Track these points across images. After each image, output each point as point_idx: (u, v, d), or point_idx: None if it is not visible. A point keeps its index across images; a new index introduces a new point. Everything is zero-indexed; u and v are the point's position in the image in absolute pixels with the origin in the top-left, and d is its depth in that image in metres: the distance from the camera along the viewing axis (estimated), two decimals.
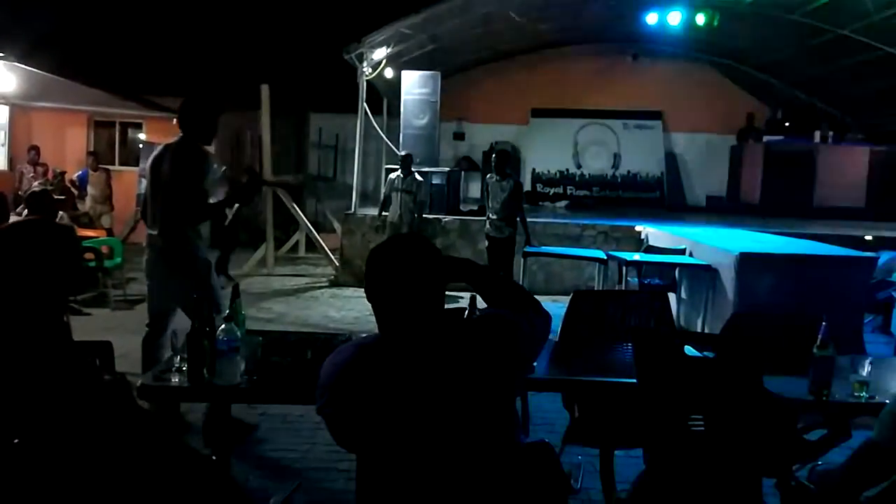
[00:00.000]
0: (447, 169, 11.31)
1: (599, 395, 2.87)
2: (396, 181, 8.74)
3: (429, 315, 1.74)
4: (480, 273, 2.02)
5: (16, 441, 1.56)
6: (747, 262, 5.87)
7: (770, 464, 2.39)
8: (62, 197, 9.72)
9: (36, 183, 10.01)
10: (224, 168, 10.80)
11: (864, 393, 2.56)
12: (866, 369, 2.58)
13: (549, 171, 14.50)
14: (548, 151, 14.42)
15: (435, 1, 9.90)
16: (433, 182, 10.28)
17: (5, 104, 12.16)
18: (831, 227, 9.71)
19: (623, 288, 6.93)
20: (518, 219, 7.83)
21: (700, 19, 11.03)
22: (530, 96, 14.09)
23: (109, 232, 10.22)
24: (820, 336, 2.57)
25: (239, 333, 2.54)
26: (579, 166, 14.53)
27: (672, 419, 2.39)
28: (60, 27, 12.76)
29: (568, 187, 14.46)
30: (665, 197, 14.23)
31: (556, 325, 2.89)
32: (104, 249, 7.92)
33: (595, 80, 14.05)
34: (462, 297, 3.30)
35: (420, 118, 10.71)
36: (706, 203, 14.09)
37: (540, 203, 13.71)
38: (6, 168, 12.32)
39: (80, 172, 11.45)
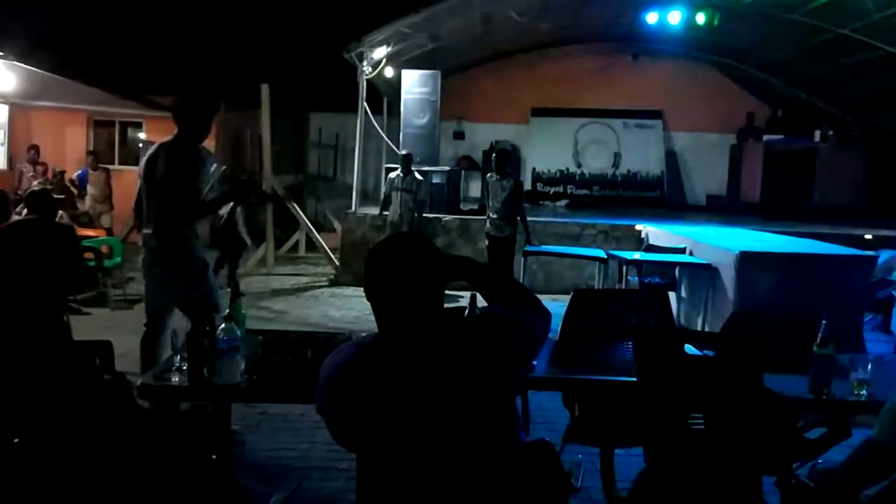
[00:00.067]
0: (447, 168, 11.32)
1: (600, 393, 2.87)
2: (396, 180, 8.74)
3: (428, 314, 1.73)
4: (480, 271, 2.02)
5: (16, 440, 1.56)
6: (747, 261, 5.87)
7: (770, 462, 2.39)
8: (62, 196, 9.72)
9: (35, 182, 10.01)
10: (224, 168, 10.80)
11: (864, 391, 2.56)
12: (866, 368, 2.58)
13: (549, 171, 14.50)
14: (548, 150, 14.42)
15: (435, 0, 9.89)
16: (433, 181, 10.29)
17: (5, 103, 12.16)
18: (831, 226, 9.71)
19: (623, 287, 6.93)
20: (518, 218, 7.83)
21: (700, 18, 11.02)
22: (530, 95, 14.09)
23: (109, 231, 10.23)
24: (820, 334, 2.57)
25: (239, 333, 2.54)
26: (579, 165, 14.52)
27: (672, 418, 2.39)
28: (60, 27, 12.76)
29: (568, 186, 14.46)
30: (665, 196, 14.23)
31: (557, 324, 2.89)
32: (104, 249, 7.92)
33: (595, 80, 14.05)
34: (462, 297, 3.30)
35: (420, 117, 10.71)
36: (706, 202, 14.09)
37: (540, 202, 13.71)
38: (6, 167, 12.33)
39: (79, 172, 11.45)
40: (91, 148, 12.99)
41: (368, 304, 1.77)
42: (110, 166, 12.10)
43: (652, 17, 11.42)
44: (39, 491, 1.57)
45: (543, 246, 8.60)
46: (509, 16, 11.06)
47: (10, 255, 1.73)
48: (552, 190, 14.39)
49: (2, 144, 12.49)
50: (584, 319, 3.34)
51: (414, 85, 10.80)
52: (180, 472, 1.78)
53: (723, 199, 13.60)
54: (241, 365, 2.54)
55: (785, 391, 2.43)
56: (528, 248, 7.95)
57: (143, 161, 4.09)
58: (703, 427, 2.37)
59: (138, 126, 13.50)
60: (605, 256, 7.53)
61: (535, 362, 2.76)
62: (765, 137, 12.94)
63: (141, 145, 12.15)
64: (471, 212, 10.30)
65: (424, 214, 9.15)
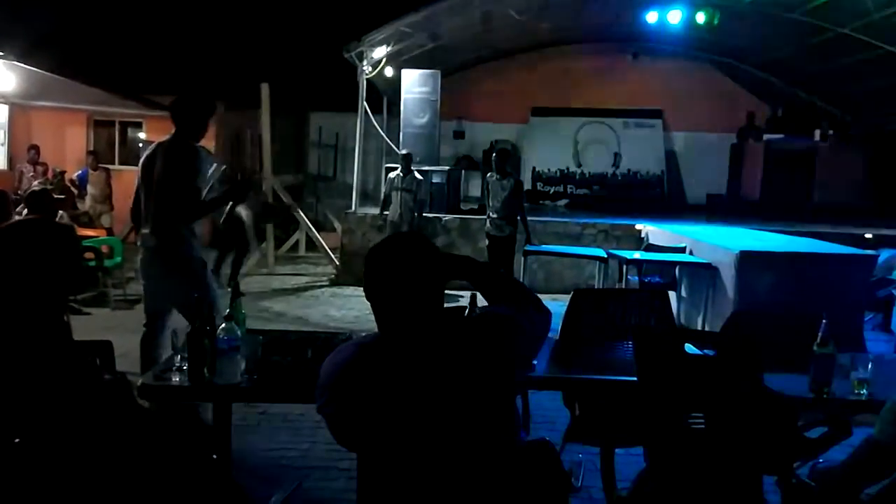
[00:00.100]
0: (447, 168, 11.31)
1: (600, 393, 2.87)
2: (396, 180, 8.74)
3: (428, 314, 1.73)
4: (480, 270, 2.02)
5: (17, 440, 1.56)
6: (747, 261, 5.87)
7: (771, 461, 2.39)
8: (62, 196, 9.72)
9: (35, 182, 10.01)
10: (224, 168, 10.80)
11: (864, 390, 2.56)
12: (867, 367, 2.58)
13: (549, 170, 14.49)
14: (548, 150, 14.41)
15: None
16: (433, 181, 10.29)
17: (5, 103, 12.16)
18: (831, 226, 9.71)
19: (623, 286, 6.93)
20: (518, 217, 7.83)
21: (700, 18, 11.02)
22: (530, 95, 14.08)
23: (109, 231, 10.22)
24: (820, 334, 2.57)
25: (239, 332, 2.54)
26: (579, 165, 14.52)
27: (672, 417, 2.39)
28: (60, 27, 12.76)
29: (568, 186, 14.45)
30: (665, 195, 14.22)
31: (557, 323, 2.89)
32: (104, 249, 7.92)
33: (595, 79, 14.05)
34: (462, 296, 3.30)
35: (420, 117, 10.71)
36: (706, 201, 14.08)
37: (540, 202, 13.70)
38: (6, 167, 12.33)
39: (79, 172, 11.45)
40: (91, 148, 12.98)
41: (368, 303, 1.77)
42: (110, 166, 12.10)
43: (652, 17, 11.42)
44: (40, 491, 1.57)
45: (543, 245, 8.60)
46: (509, 15, 11.06)
47: (11, 255, 1.73)
48: (552, 189, 14.38)
49: (2, 144, 12.48)
50: (585, 319, 3.34)
51: (414, 84, 10.80)
52: (181, 472, 1.78)
53: (723, 199, 13.59)
54: (241, 365, 2.54)
55: (785, 390, 2.42)
56: (528, 247, 7.95)
57: (140, 161, 4.09)
58: (703, 426, 2.37)
59: (138, 126, 13.50)
60: (606, 256, 7.53)
61: (535, 362, 2.76)
62: (765, 137, 12.93)
63: (141, 145, 12.14)
64: (471, 211, 10.29)
65: (424, 214, 9.15)
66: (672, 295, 6.71)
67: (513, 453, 1.78)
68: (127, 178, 11.74)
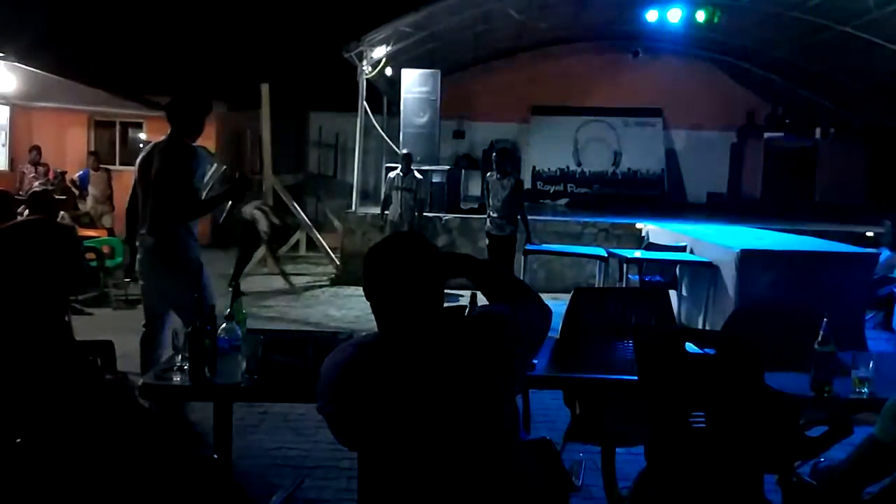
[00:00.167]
0: (447, 167, 11.32)
1: (600, 392, 2.87)
2: (396, 179, 8.75)
3: (427, 313, 1.73)
4: (480, 268, 2.02)
5: (18, 440, 1.57)
6: (748, 259, 5.87)
7: (772, 460, 2.39)
8: (63, 197, 9.73)
9: (37, 183, 10.02)
10: (224, 168, 10.79)
11: (865, 389, 2.56)
12: (868, 365, 2.58)
13: (549, 169, 14.50)
14: (548, 149, 14.42)
15: None
16: (433, 180, 10.29)
17: (6, 104, 12.16)
18: (832, 224, 9.71)
19: (624, 285, 6.93)
20: (519, 217, 7.83)
21: (700, 16, 11.03)
22: (530, 94, 14.08)
23: (110, 232, 10.23)
24: (821, 332, 2.57)
25: (240, 332, 2.55)
26: (580, 164, 14.52)
27: (673, 416, 2.39)
28: (60, 27, 12.77)
29: (568, 185, 14.46)
30: (666, 194, 14.23)
31: (557, 322, 2.89)
32: (105, 249, 7.92)
33: (595, 78, 14.05)
34: (462, 295, 3.30)
35: (420, 116, 10.71)
36: (707, 200, 14.09)
37: (540, 201, 13.71)
38: (7, 168, 12.33)
39: (81, 172, 11.46)
40: (92, 148, 12.99)
41: (368, 303, 1.77)
42: (111, 167, 12.10)
43: (652, 16, 11.42)
44: (41, 491, 1.57)
45: (544, 245, 8.60)
46: (509, 14, 11.06)
47: (12, 255, 1.74)
48: (552, 188, 14.39)
49: (3, 146, 12.49)
50: (585, 318, 3.34)
51: (414, 84, 10.80)
52: (181, 472, 1.78)
53: (723, 197, 13.60)
54: (242, 365, 2.54)
55: (786, 389, 2.42)
56: (528, 246, 7.95)
57: (137, 161, 4.08)
58: (704, 426, 2.37)
59: (139, 126, 13.50)
60: (606, 255, 7.52)
61: (535, 361, 2.76)
62: (765, 135, 12.95)
63: (142, 145, 12.11)
64: (471, 211, 10.29)
65: (425, 213, 9.15)
66: (673, 294, 6.71)
67: (513, 452, 1.78)
68: (128, 179, 11.63)
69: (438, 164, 10.91)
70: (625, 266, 7.01)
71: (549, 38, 13.66)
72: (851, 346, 3.18)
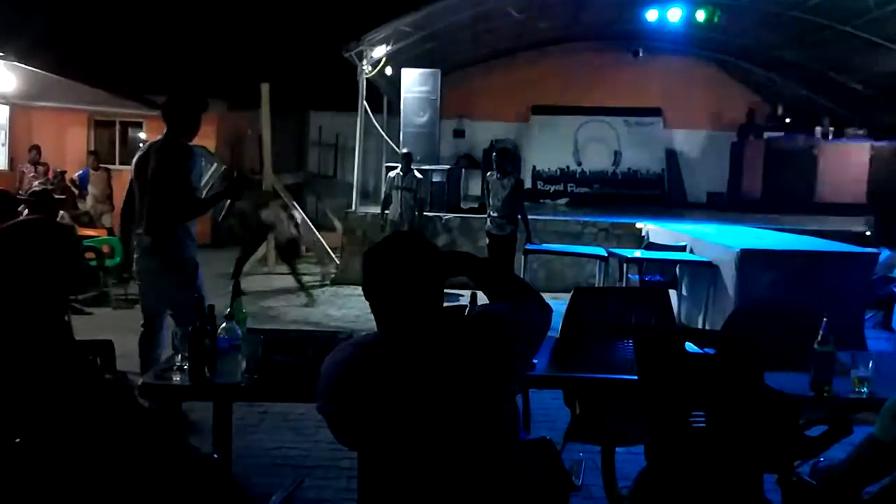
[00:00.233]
0: (447, 167, 11.31)
1: (600, 391, 2.87)
2: (396, 179, 8.75)
3: (427, 312, 1.73)
4: (481, 267, 2.02)
5: (17, 440, 1.57)
6: (748, 259, 5.87)
7: (771, 460, 2.39)
8: (63, 196, 9.73)
9: (37, 182, 10.01)
10: (224, 167, 10.80)
11: (865, 389, 2.56)
12: (867, 365, 2.58)
13: (549, 169, 14.50)
14: (548, 149, 14.43)
15: None
16: (434, 180, 10.29)
17: (6, 104, 12.17)
18: (832, 223, 9.71)
19: (624, 285, 6.93)
20: (519, 216, 7.83)
21: (700, 16, 11.02)
22: (531, 93, 14.09)
23: (110, 231, 10.22)
24: (821, 332, 2.57)
25: (240, 332, 2.55)
26: (580, 163, 14.53)
27: (673, 416, 2.39)
28: (60, 27, 12.76)
29: (568, 184, 14.46)
30: (666, 194, 14.23)
31: (557, 322, 2.89)
32: (105, 249, 7.92)
33: (595, 77, 14.05)
34: (462, 295, 3.30)
35: (420, 116, 10.71)
36: (707, 199, 14.09)
37: (540, 200, 13.71)
38: (7, 168, 12.34)
39: (80, 172, 11.45)
40: (92, 148, 12.99)
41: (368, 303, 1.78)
42: (111, 166, 12.10)
43: (652, 15, 11.41)
44: (41, 491, 1.57)
45: (544, 244, 8.60)
46: (508, 13, 11.06)
47: (12, 255, 1.74)
48: (552, 188, 14.39)
49: (3, 145, 12.49)
50: (585, 318, 3.34)
51: (414, 83, 10.80)
52: (181, 472, 1.78)
53: (723, 197, 13.60)
54: (242, 364, 2.54)
55: (786, 389, 2.42)
56: (528, 246, 7.95)
57: (133, 161, 4.06)
58: (703, 425, 2.37)
59: (139, 126, 13.50)
60: (606, 254, 7.53)
61: (535, 361, 2.76)
62: (765, 134, 12.94)
63: (141, 145, 12.12)
64: (471, 210, 10.29)
65: (425, 213, 9.15)
66: (673, 293, 6.71)
67: (513, 452, 1.78)
68: (127, 178, 11.69)
69: (438, 164, 10.91)
70: (625, 266, 7.01)
71: (549, 38, 13.66)
72: (851, 345, 3.18)
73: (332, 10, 14.48)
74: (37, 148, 11.20)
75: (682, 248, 7.13)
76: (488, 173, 8.14)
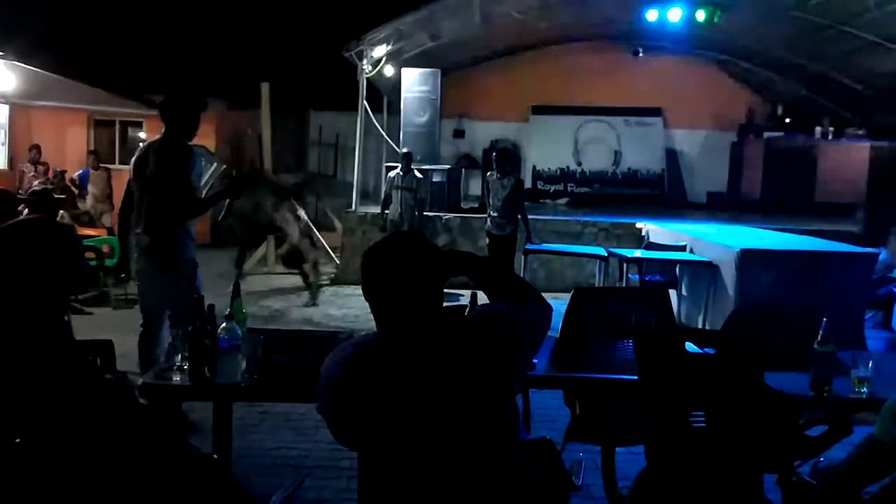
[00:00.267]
0: (447, 166, 11.32)
1: (600, 391, 2.87)
2: (396, 179, 8.75)
3: (426, 313, 1.73)
4: (481, 266, 2.02)
5: (17, 440, 1.57)
6: (748, 259, 5.87)
7: (771, 460, 2.39)
8: (63, 196, 9.72)
9: (36, 182, 10.01)
10: (224, 167, 10.80)
11: (864, 389, 2.56)
12: (867, 365, 2.58)
13: (549, 169, 14.50)
14: (548, 148, 14.42)
15: None
16: (434, 180, 10.29)
17: (5, 103, 12.17)
18: (832, 223, 9.70)
19: (624, 285, 6.93)
20: (519, 216, 7.83)
21: (700, 16, 11.01)
22: (531, 93, 14.08)
23: (110, 231, 10.22)
24: (821, 332, 2.57)
25: (240, 332, 2.54)
26: (580, 163, 14.52)
27: (673, 416, 2.39)
28: (60, 26, 12.76)
29: (568, 184, 14.46)
30: (666, 193, 14.23)
31: (557, 322, 2.89)
32: (105, 248, 7.92)
33: (595, 77, 14.05)
34: (462, 295, 3.30)
35: (420, 116, 10.71)
36: (707, 199, 14.09)
37: (541, 200, 13.71)
38: (6, 167, 12.33)
39: (80, 171, 11.46)
40: (92, 147, 12.99)
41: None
42: (111, 166, 12.11)
43: (652, 15, 11.41)
44: (41, 491, 1.57)
45: (544, 244, 8.60)
46: (508, 13, 11.05)
47: (12, 254, 1.73)
48: (553, 188, 14.39)
49: (3, 144, 12.49)
50: (585, 317, 3.34)
51: (414, 83, 10.80)
52: (181, 472, 1.78)
53: (723, 197, 13.60)
54: (242, 364, 2.54)
55: (786, 389, 2.42)
56: (528, 246, 7.95)
57: (132, 161, 4.04)
58: (703, 425, 2.37)
59: (139, 126, 13.50)
60: (606, 254, 7.53)
61: (535, 361, 2.76)
62: (765, 134, 12.94)
63: (141, 144, 12.14)
64: (471, 210, 10.29)
65: (425, 213, 9.15)
66: (672, 293, 6.71)
67: (513, 452, 1.78)
68: (127, 178, 11.77)
69: (439, 164, 10.91)
70: (625, 265, 7.01)
71: (549, 38, 13.66)
72: (851, 345, 3.18)
73: (332, 10, 14.48)
74: (37, 147, 11.20)
75: (682, 248, 7.13)
76: (488, 173, 8.14)
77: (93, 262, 7.42)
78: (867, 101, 13.01)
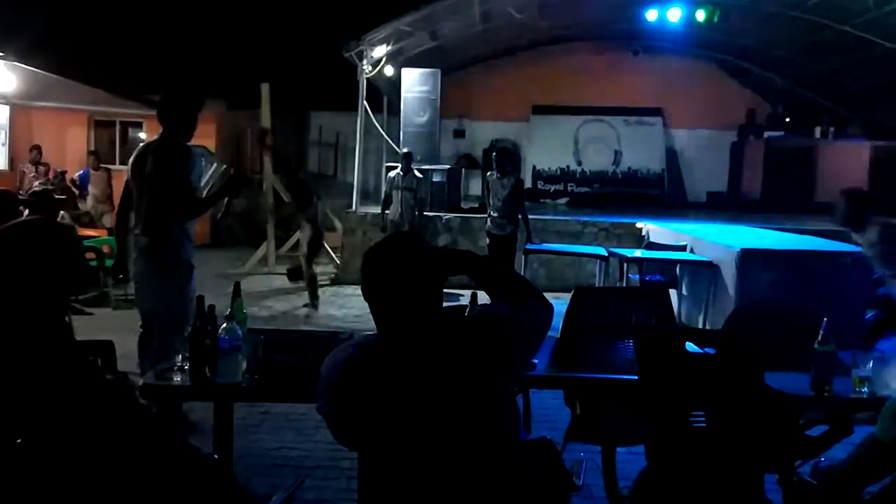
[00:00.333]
0: (448, 166, 11.32)
1: (601, 391, 2.87)
2: (396, 179, 8.75)
3: (425, 313, 1.73)
4: (481, 265, 2.02)
5: (18, 441, 1.57)
6: (748, 259, 5.87)
7: (772, 460, 2.39)
8: (63, 196, 9.73)
9: (37, 182, 10.02)
10: (224, 167, 10.80)
11: (865, 388, 2.56)
12: (868, 365, 2.58)
13: (549, 168, 14.50)
14: (548, 148, 14.43)
15: None
16: (434, 180, 10.29)
17: (6, 104, 12.16)
18: (832, 223, 9.69)
19: (624, 284, 6.93)
20: (519, 216, 7.83)
21: (700, 16, 11.02)
22: (531, 93, 14.09)
23: (110, 231, 10.21)
24: (821, 332, 2.57)
25: (240, 332, 2.54)
26: (580, 163, 14.52)
27: (673, 416, 2.39)
28: (60, 27, 12.77)
29: (569, 184, 14.46)
30: (666, 193, 14.23)
31: (558, 322, 2.89)
32: (105, 249, 7.92)
33: (595, 77, 14.05)
34: (462, 295, 3.30)
35: (420, 116, 10.71)
36: (707, 199, 14.09)
37: (541, 200, 13.71)
38: (7, 168, 12.34)
39: (81, 172, 11.46)
40: (92, 148, 12.99)
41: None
42: (111, 166, 12.10)
43: (652, 15, 11.42)
44: (42, 492, 1.57)
45: (544, 244, 8.60)
46: (509, 13, 11.05)
47: (12, 255, 1.73)
48: (553, 188, 14.39)
49: (3, 145, 12.49)
50: (585, 317, 3.34)
51: (414, 83, 10.80)
52: (182, 472, 1.78)
53: (724, 196, 13.60)
54: (242, 364, 2.54)
55: (786, 389, 2.42)
56: (529, 245, 7.95)
57: (129, 162, 4.01)
58: (704, 425, 2.37)
59: (139, 126, 13.50)
60: (606, 254, 7.53)
61: (535, 361, 2.76)
62: (765, 134, 12.95)
63: (142, 145, 12.15)
64: (471, 210, 10.30)
65: (425, 213, 9.15)
66: (673, 293, 6.71)
67: (514, 452, 1.78)
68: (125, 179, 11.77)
69: (439, 164, 10.91)
70: (625, 265, 7.01)
71: (550, 38, 13.66)
72: (851, 345, 3.18)
73: (332, 10, 14.48)
74: (37, 148, 11.20)
75: (683, 248, 7.13)
76: (488, 173, 8.14)
77: (93, 263, 7.42)
78: (867, 101, 13.01)
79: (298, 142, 15.60)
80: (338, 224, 11.41)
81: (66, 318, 1.90)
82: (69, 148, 12.99)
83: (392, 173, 8.92)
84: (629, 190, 14.22)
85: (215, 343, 2.50)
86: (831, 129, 12.72)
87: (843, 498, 2.05)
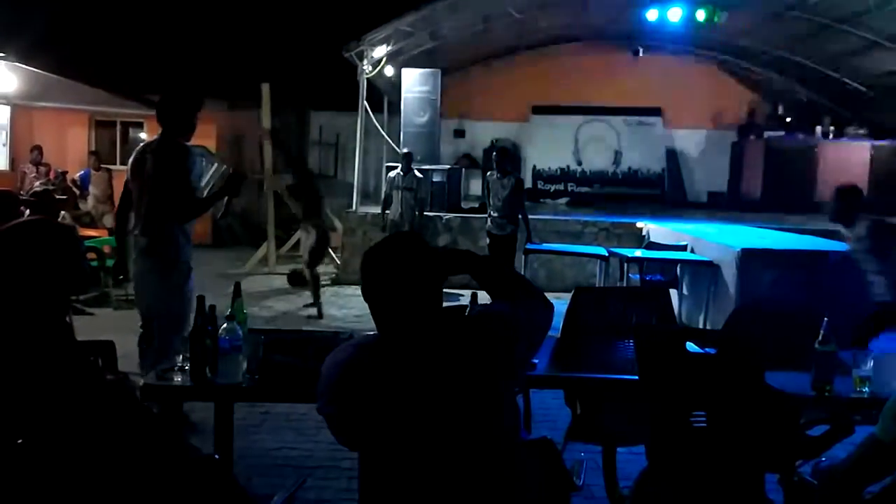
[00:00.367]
0: (448, 166, 11.32)
1: (601, 391, 2.87)
2: (396, 179, 8.75)
3: (425, 313, 1.73)
4: (482, 264, 2.02)
5: (19, 441, 1.57)
6: (749, 258, 5.88)
7: (773, 460, 2.39)
8: (64, 197, 9.73)
9: (38, 183, 10.02)
10: (225, 167, 10.80)
11: (866, 388, 2.56)
12: (868, 364, 2.58)
13: (549, 168, 14.50)
14: (549, 148, 14.43)
15: None
16: (434, 180, 10.29)
17: (6, 104, 12.17)
18: (832, 223, 9.68)
19: (625, 284, 6.93)
20: (520, 216, 7.83)
21: (700, 15, 11.01)
22: (531, 93, 14.08)
23: (111, 231, 10.21)
24: (822, 331, 2.57)
25: (241, 332, 2.55)
26: (580, 163, 14.52)
27: (674, 416, 2.39)
28: (60, 27, 12.77)
29: (569, 184, 14.46)
30: (666, 193, 14.23)
31: (558, 322, 2.89)
32: (106, 249, 7.92)
33: (596, 77, 14.04)
34: (462, 295, 3.30)
35: (420, 116, 10.71)
36: (707, 199, 14.08)
37: (541, 200, 13.71)
38: (8, 168, 12.34)
39: (82, 172, 11.47)
40: (93, 148, 13.00)
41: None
42: (112, 166, 12.10)
43: (652, 15, 11.41)
44: (43, 492, 1.57)
45: (545, 244, 8.60)
46: (508, 13, 11.06)
47: (12, 255, 1.74)
48: (553, 188, 14.39)
49: (4, 145, 12.49)
50: (586, 317, 3.34)
51: (414, 83, 10.80)
52: (182, 472, 1.78)
53: (724, 196, 13.60)
54: (243, 365, 2.54)
55: (787, 388, 2.42)
56: (529, 245, 7.95)
57: (129, 162, 4.00)
58: (704, 425, 2.37)
59: (139, 126, 13.51)
60: (607, 254, 7.53)
61: (536, 361, 2.76)
62: (766, 134, 12.94)
63: (141, 145, 12.15)
64: (472, 210, 10.30)
65: (425, 213, 9.16)
66: (673, 293, 6.71)
67: (514, 452, 1.78)
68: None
69: (439, 164, 10.91)
70: (625, 265, 7.02)
71: (550, 38, 13.65)
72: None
73: (332, 10, 14.49)
74: (38, 148, 11.20)
75: (683, 248, 7.13)
76: (488, 173, 8.14)
77: (94, 263, 7.42)
78: (867, 100, 13.00)
79: (298, 142, 15.59)
80: (338, 224, 11.41)
81: (67, 319, 1.90)
82: (70, 148, 13.00)
83: (392, 173, 8.92)
84: (629, 190, 14.22)
85: (216, 343, 2.50)
86: (831, 129, 12.72)
87: (844, 498, 2.05)
